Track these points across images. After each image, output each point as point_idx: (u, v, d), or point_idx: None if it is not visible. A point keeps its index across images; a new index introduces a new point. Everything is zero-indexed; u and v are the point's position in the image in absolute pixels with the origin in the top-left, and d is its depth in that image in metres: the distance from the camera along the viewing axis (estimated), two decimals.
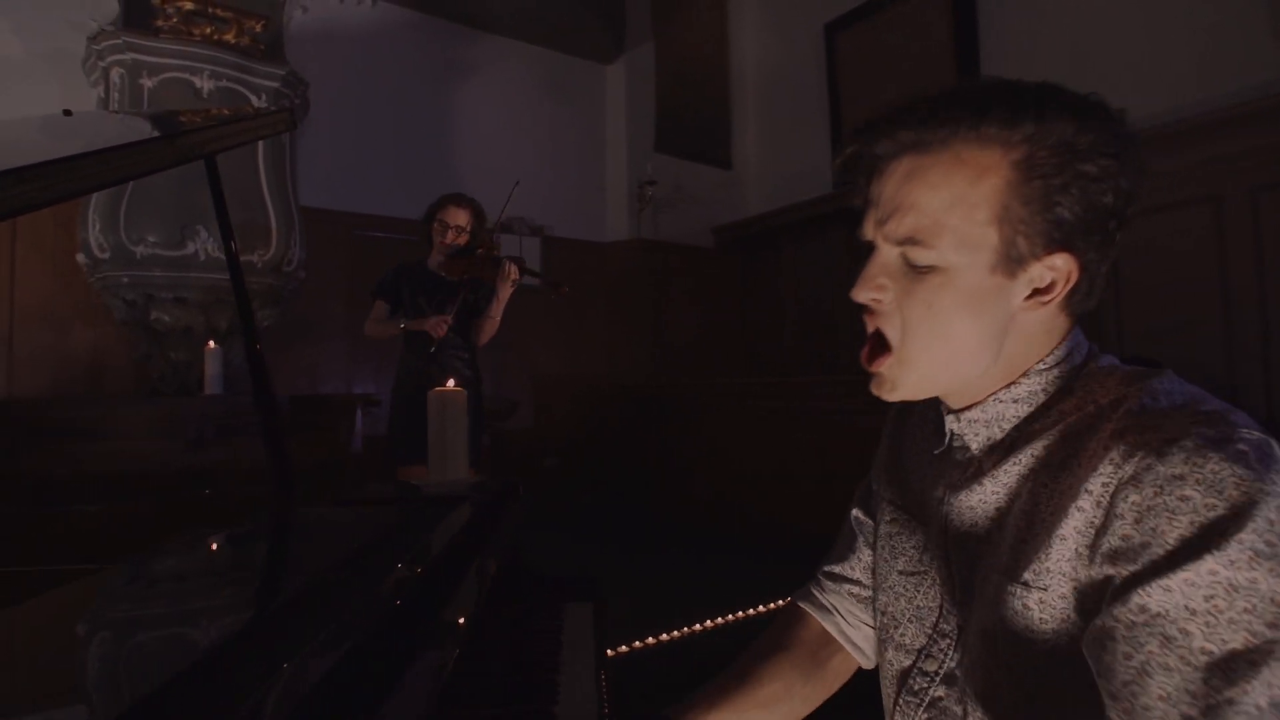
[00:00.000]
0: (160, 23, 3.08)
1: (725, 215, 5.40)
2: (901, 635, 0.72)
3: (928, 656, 0.70)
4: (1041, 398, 0.63)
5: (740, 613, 2.51)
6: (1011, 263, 0.59)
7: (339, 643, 0.47)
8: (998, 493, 0.63)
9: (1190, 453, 0.51)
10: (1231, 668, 0.46)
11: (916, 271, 0.61)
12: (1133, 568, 0.51)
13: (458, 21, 4.61)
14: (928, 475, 0.72)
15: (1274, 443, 0.52)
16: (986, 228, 0.58)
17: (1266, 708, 0.45)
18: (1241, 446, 0.50)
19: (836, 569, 0.86)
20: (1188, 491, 0.50)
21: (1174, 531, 0.50)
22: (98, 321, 3.47)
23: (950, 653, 0.68)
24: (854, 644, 0.84)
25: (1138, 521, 0.52)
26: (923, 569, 0.72)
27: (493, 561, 0.83)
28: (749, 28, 5.67)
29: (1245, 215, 3.24)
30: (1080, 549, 0.55)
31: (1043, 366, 0.63)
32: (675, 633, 2.15)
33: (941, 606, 0.69)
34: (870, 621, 0.82)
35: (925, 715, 0.68)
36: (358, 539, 0.82)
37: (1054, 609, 0.57)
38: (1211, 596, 0.47)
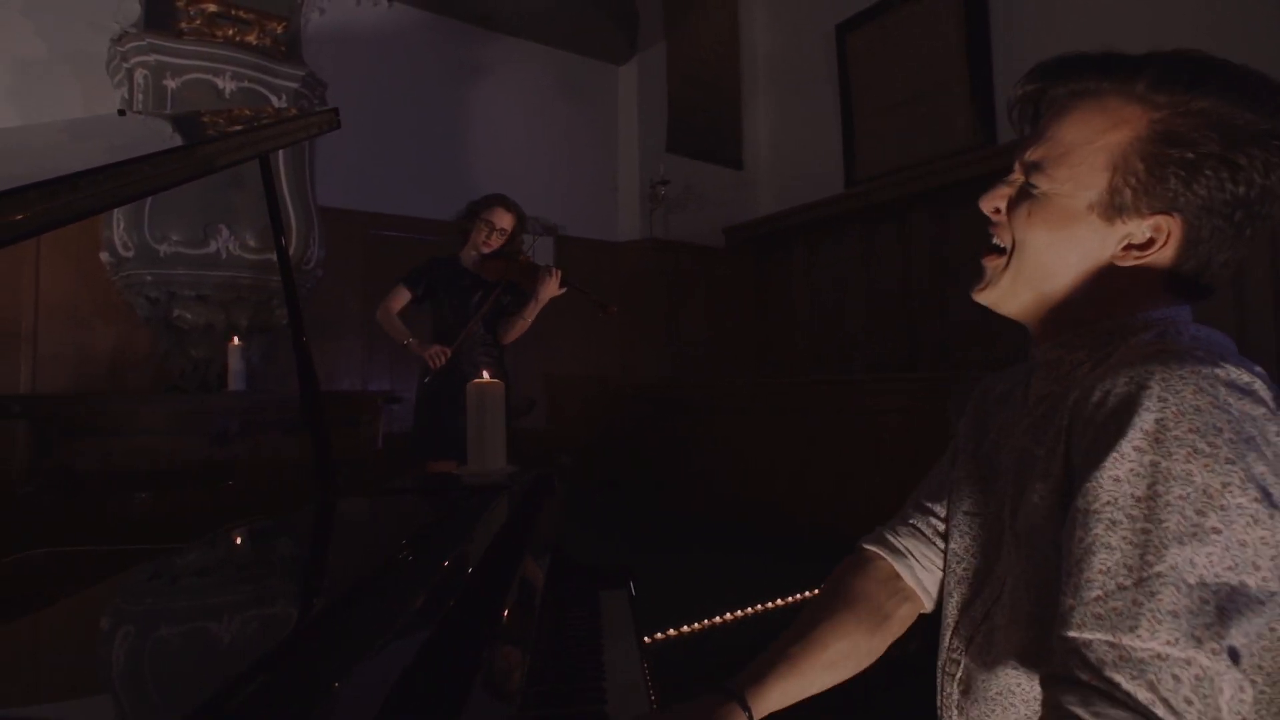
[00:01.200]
0: (183, 24, 3.12)
1: (737, 215, 5.42)
2: (964, 569, 0.77)
3: (985, 585, 0.74)
4: (1097, 347, 0.67)
5: (754, 608, 2.53)
6: (1112, 209, 0.64)
7: (407, 640, 0.48)
8: (1040, 416, 0.69)
9: (1163, 363, 0.55)
10: (1163, 546, 0.51)
11: (1028, 192, 0.67)
12: (1092, 459, 0.56)
13: (472, 23, 4.64)
14: (1006, 425, 0.77)
15: (1259, 383, 0.55)
16: (1100, 172, 0.63)
17: (1195, 583, 0.50)
18: (1218, 371, 0.54)
19: (925, 502, 0.89)
20: (1148, 389, 0.54)
21: (1126, 425, 0.54)
22: (119, 319, 3.51)
23: (999, 585, 0.71)
24: (924, 588, 0.86)
25: (1103, 414, 0.57)
26: (986, 509, 0.76)
27: (546, 548, 0.85)
28: (760, 29, 5.69)
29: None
30: (1068, 445, 0.61)
31: (1109, 321, 0.67)
32: (698, 625, 2.17)
33: (1001, 537, 0.73)
34: (939, 563, 0.85)
35: (980, 634, 0.72)
36: (408, 528, 0.84)
37: (1056, 497, 0.62)
38: (1153, 484, 0.52)
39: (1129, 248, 0.64)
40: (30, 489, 2.12)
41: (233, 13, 3.11)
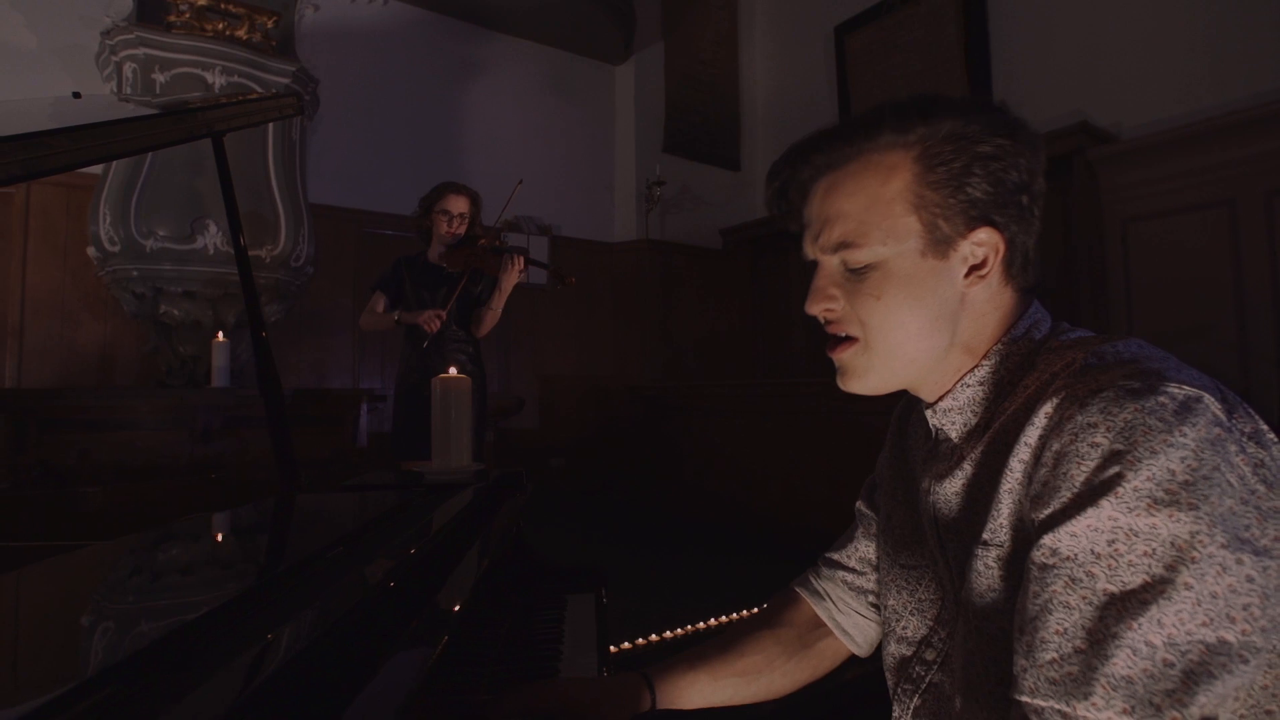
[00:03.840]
0: (173, 18, 3.10)
1: (733, 217, 5.39)
2: (904, 628, 0.73)
3: (927, 646, 0.71)
4: (1001, 378, 0.65)
5: (746, 611, 2.49)
6: (940, 244, 0.64)
7: (322, 620, 0.46)
8: (973, 473, 0.65)
9: (1108, 402, 0.53)
10: (1125, 606, 0.48)
11: (858, 275, 0.66)
12: (1047, 511, 0.53)
13: (469, 20, 4.62)
14: (920, 471, 0.74)
15: (1207, 398, 0.52)
16: (906, 218, 0.63)
17: (1161, 645, 0.46)
18: (1162, 399, 0.51)
19: (835, 556, 0.88)
20: (1098, 439, 0.52)
21: (1080, 476, 0.52)
22: (107, 314, 3.49)
23: (948, 637, 0.68)
24: (843, 630, 0.85)
25: (1054, 466, 0.54)
26: (922, 563, 0.73)
27: (491, 545, 0.81)
28: (759, 30, 5.67)
29: (1259, 218, 3.21)
30: (1020, 499, 0.58)
31: (1000, 346, 0.66)
32: (679, 630, 2.13)
33: (941, 598, 0.70)
34: (861, 610, 0.85)
35: (919, 700, 0.69)
36: (355, 521, 0.81)
37: (1008, 563, 0.59)
38: (1113, 541, 0.49)
39: (971, 273, 0.64)
40: (4, 485, 2.08)
41: (222, 6, 3.08)
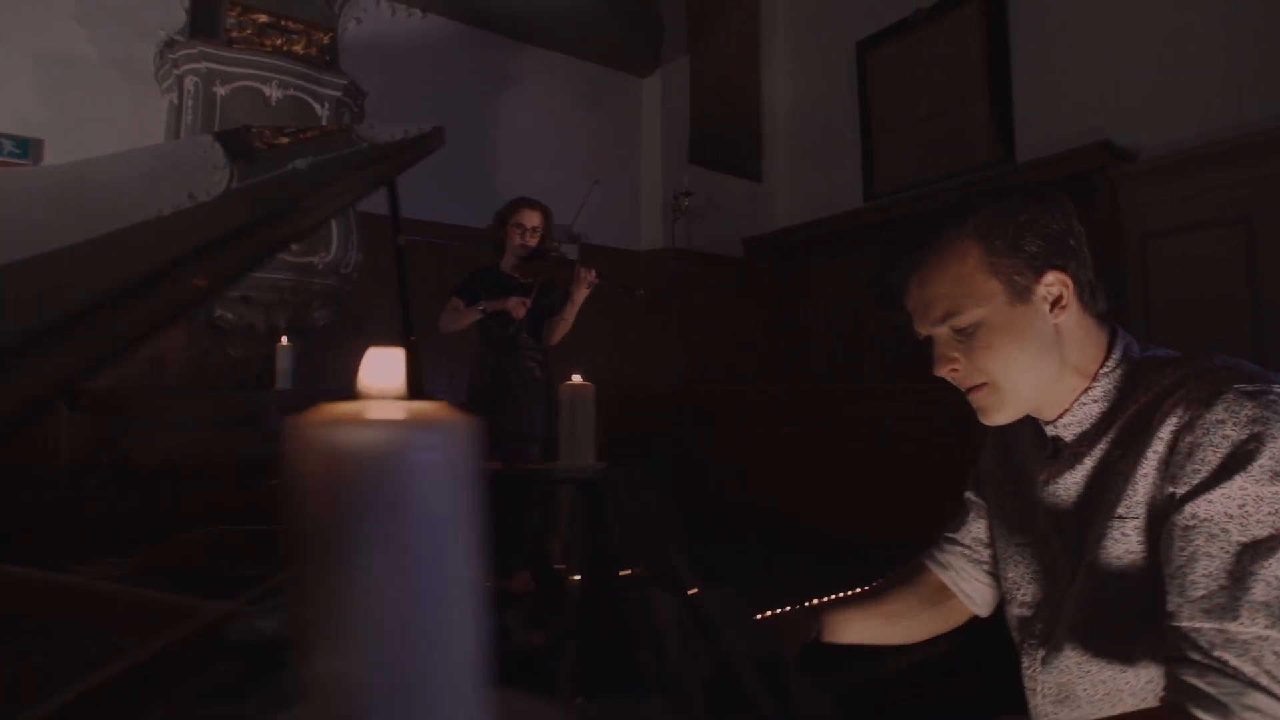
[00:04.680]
0: (234, 33, 3.21)
1: (755, 227, 5.50)
2: (1023, 595, 0.91)
3: (1044, 607, 0.87)
4: (1115, 394, 0.82)
5: (773, 612, 2.59)
6: (1021, 293, 0.81)
7: None
8: (1095, 467, 0.82)
9: (1229, 403, 0.70)
10: (1256, 551, 0.64)
11: (966, 334, 0.84)
12: (1187, 487, 0.70)
13: (503, 34, 4.74)
14: (1033, 469, 0.91)
15: None
16: (988, 282, 0.82)
17: None
18: (1271, 397, 0.70)
19: (953, 535, 1.07)
20: (1227, 431, 0.69)
21: (1215, 459, 0.69)
22: None
23: (1063, 599, 0.84)
24: (966, 594, 1.03)
25: (1189, 454, 0.71)
26: (1034, 541, 0.90)
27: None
28: (780, 44, 5.80)
29: (1276, 236, 3.33)
30: (1155, 480, 0.75)
31: (1108, 369, 0.83)
32: None
33: (1054, 568, 0.87)
34: (979, 578, 1.03)
35: (1043, 650, 0.86)
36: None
37: (1141, 531, 0.75)
38: (1243, 505, 0.66)
39: (1054, 307, 0.82)
40: (94, 481, 2.19)
41: (282, 23, 3.20)
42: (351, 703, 0.20)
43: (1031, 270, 0.81)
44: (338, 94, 3.45)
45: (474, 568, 0.22)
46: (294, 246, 3.28)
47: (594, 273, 2.69)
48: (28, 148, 3.38)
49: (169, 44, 3.41)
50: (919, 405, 3.29)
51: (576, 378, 1.23)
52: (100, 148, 3.53)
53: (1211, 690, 0.62)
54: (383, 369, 0.23)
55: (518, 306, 2.64)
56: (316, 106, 3.39)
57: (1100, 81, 3.96)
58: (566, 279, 2.71)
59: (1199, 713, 0.63)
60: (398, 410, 0.21)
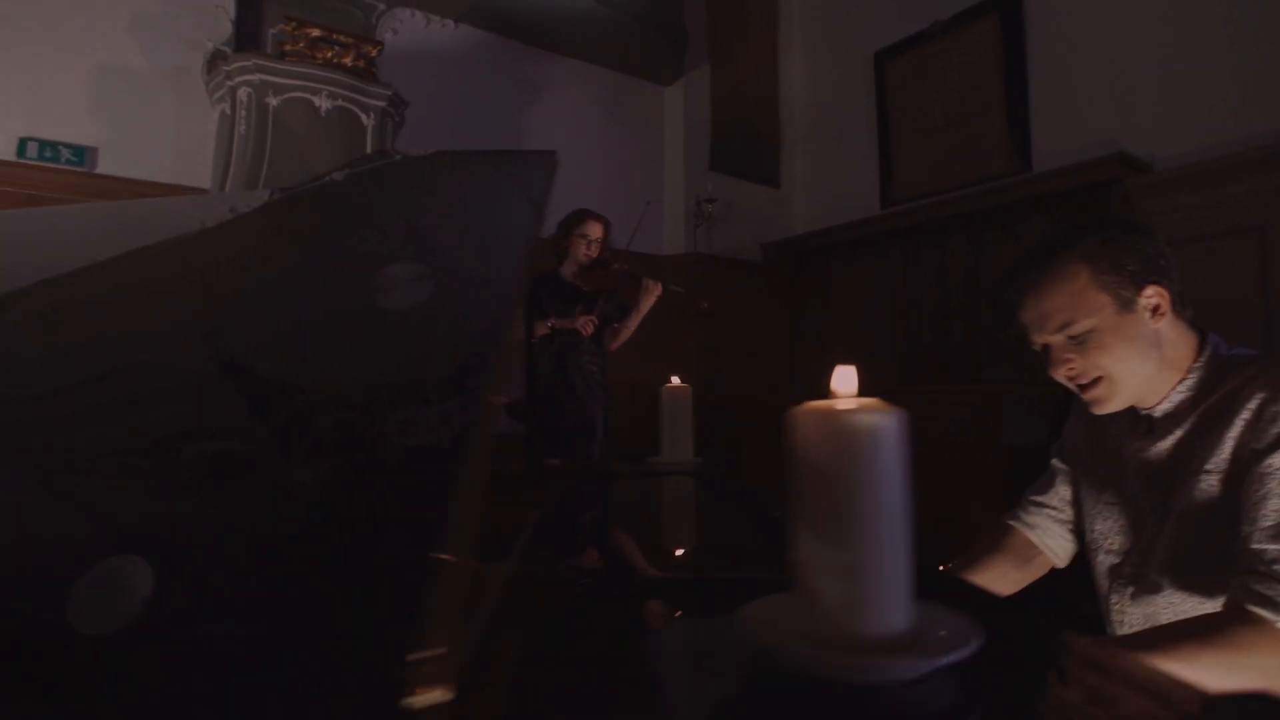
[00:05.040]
0: (288, 46, 3.33)
1: (774, 232, 5.63)
2: (1110, 544, 1.09)
3: (1131, 553, 1.06)
4: (1204, 384, 1.00)
5: None
6: (1126, 304, 0.99)
7: None
8: (1184, 436, 1.00)
9: None
10: None
11: (1080, 341, 1.01)
12: (1266, 443, 0.89)
13: (531, 44, 4.87)
14: (1124, 441, 1.09)
15: None
16: (1098, 296, 0.99)
17: None
18: None
19: (1039, 498, 1.24)
20: None
21: None
22: None
23: (1151, 545, 1.02)
24: (1051, 549, 1.21)
25: (1273, 420, 0.90)
26: (1122, 500, 1.09)
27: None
28: (798, 54, 5.93)
29: None
30: (1240, 440, 0.93)
31: (1199, 364, 1.01)
32: None
33: (1140, 521, 1.05)
34: (1063, 535, 1.20)
35: (1132, 588, 1.04)
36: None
37: (1224, 483, 0.92)
38: None
39: (1154, 314, 1.00)
40: None
41: (334, 36, 3.32)
42: (853, 583, 0.32)
43: (1134, 285, 0.99)
44: (383, 104, 3.57)
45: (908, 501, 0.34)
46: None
47: (660, 286, 2.83)
48: (84, 155, 3.50)
49: (223, 56, 3.54)
50: (956, 407, 3.40)
51: (675, 380, 1.35)
52: (151, 155, 3.65)
53: (1269, 592, 0.79)
54: (845, 379, 0.35)
55: (586, 325, 2.77)
56: (362, 116, 3.51)
57: (1115, 94, 4.09)
58: (632, 291, 2.85)
59: (1257, 609, 0.79)
60: (863, 403, 0.33)
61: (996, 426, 2.93)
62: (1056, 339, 1.02)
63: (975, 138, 4.66)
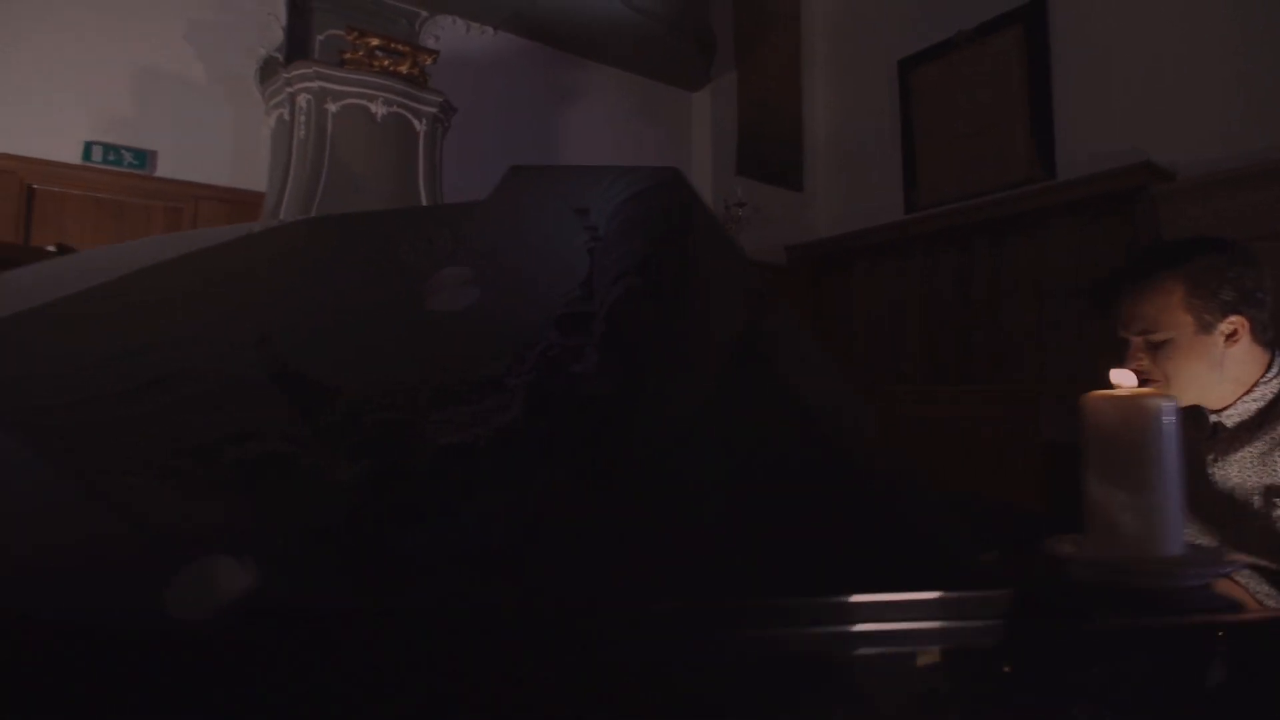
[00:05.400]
0: (347, 55, 3.45)
1: (797, 235, 5.76)
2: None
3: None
4: (1272, 397, 1.11)
5: None
6: (1206, 327, 1.11)
7: None
8: (1256, 449, 1.10)
9: None
10: None
11: (1155, 347, 1.14)
12: None
13: (566, 50, 4.99)
14: (1194, 447, 1.18)
15: None
16: (1183, 315, 1.11)
17: None
18: None
19: None
20: None
21: None
22: None
23: (1239, 543, 1.09)
24: None
25: None
26: (1200, 501, 1.16)
27: None
28: (821, 61, 6.05)
29: None
30: None
31: (1266, 380, 1.12)
32: None
33: (1221, 520, 1.12)
34: None
35: None
36: None
37: None
38: None
39: (1229, 339, 1.11)
40: None
41: (392, 45, 3.44)
42: (1149, 519, 0.44)
43: (1220, 312, 1.12)
44: (434, 110, 3.69)
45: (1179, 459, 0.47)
46: None
47: None
48: (145, 159, 3.61)
49: (276, 63, 3.66)
50: (990, 406, 3.53)
51: None
52: (208, 159, 3.77)
53: None
54: (1124, 376, 0.48)
55: None
56: (415, 122, 3.63)
57: (1139, 102, 4.22)
58: None
59: None
60: (1143, 391, 0.46)
61: (1034, 423, 3.05)
62: (1136, 339, 1.16)
63: (1000, 145, 4.78)
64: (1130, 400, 0.47)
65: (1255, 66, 3.82)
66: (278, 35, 3.97)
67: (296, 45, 4.02)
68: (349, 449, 0.70)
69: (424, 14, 4.44)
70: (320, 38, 4.12)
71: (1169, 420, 0.48)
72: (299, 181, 3.38)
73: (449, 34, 4.57)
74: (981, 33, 4.88)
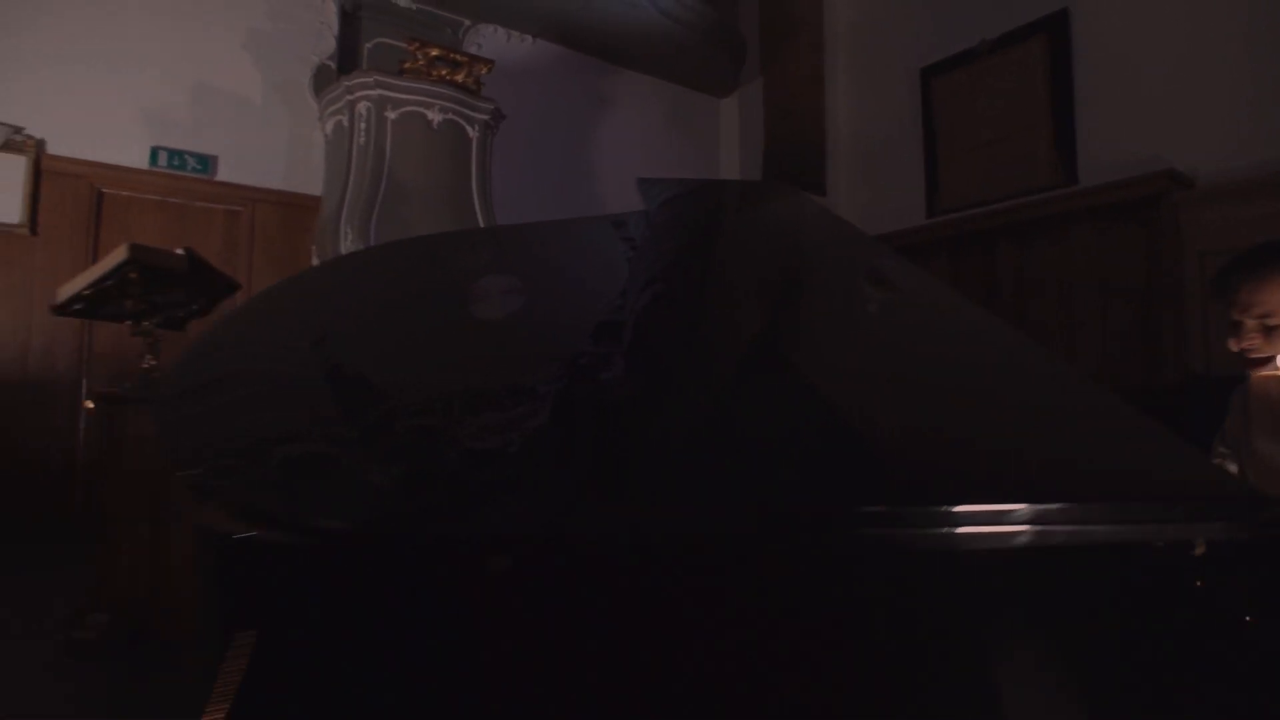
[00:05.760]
0: (409, 65, 3.58)
1: None
2: None
3: None
4: None
5: None
6: None
7: None
8: None
9: None
10: None
11: (1268, 329, 1.29)
12: None
13: (601, 58, 5.12)
14: None
15: None
16: None
17: None
18: None
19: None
20: None
21: None
22: None
23: None
24: None
25: None
26: None
27: None
28: (843, 69, 6.19)
29: None
30: None
31: None
32: None
33: None
34: None
35: None
36: None
37: None
38: None
39: None
40: None
41: (451, 56, 3.57)
42: None
43: None
44: (486, 118, 3.82)
45: None
46: None
47: None
48: (207, 164, 3.73)
49: (329, 70, 3.78)
50: None
51: None
52: (264, 164, 3.88)
53: None
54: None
55: None
56: (469, 129, 3.76)
57: (1159, 111, 4.37)
58: None
59: None
60: None
61: None
62: (1252, 322, 1.30)
63: (1021, 152, 4.93)
64: None
65: (1274, 78, 3.98)
66: (330, 44, 4.10)
67: (346, 53, 4.15)
68: (384, 452, 0.81)
69: (467, 23, 4.57)
70: (369, 45, 4.25)
71: None
72: (359, 186, 3.51)
73: (490, 42, 4.69)
74: (1004, 42, 5.03)
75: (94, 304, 1.89)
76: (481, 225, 3.77)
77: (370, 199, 3.49)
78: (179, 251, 1.93)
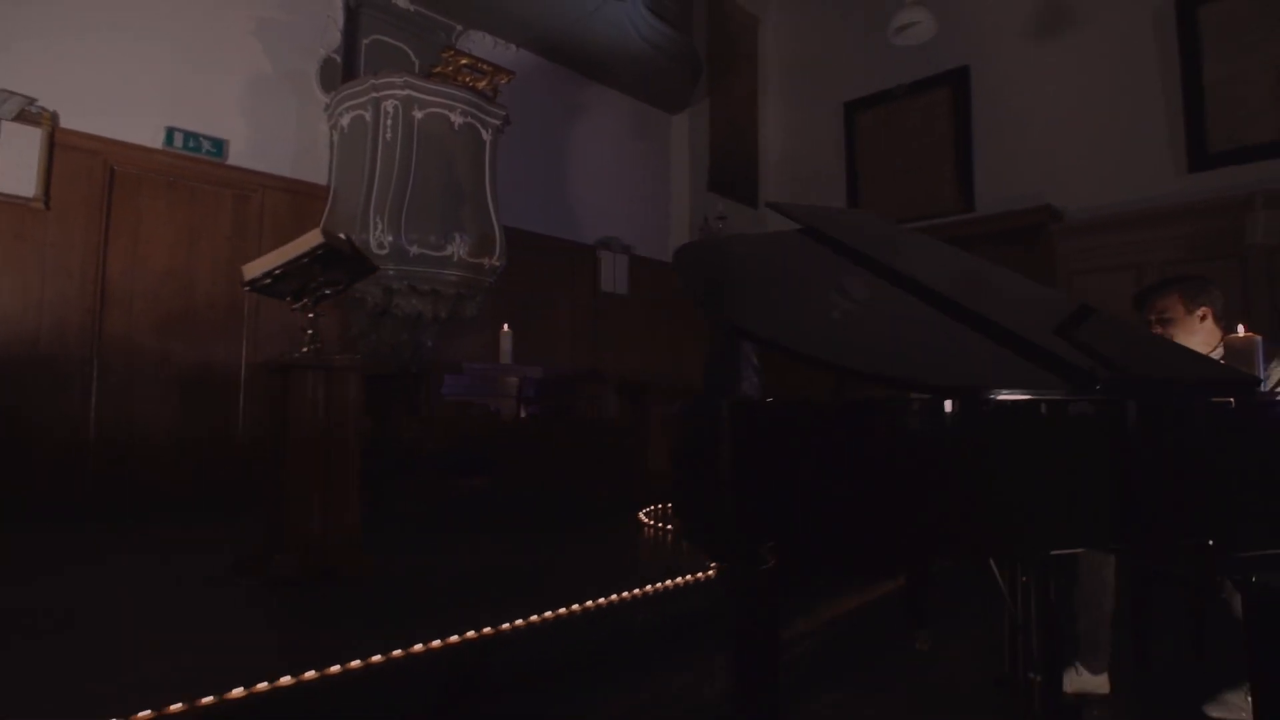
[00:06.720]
0: (439, 69, 3.82)
1: None
2: None
3: None
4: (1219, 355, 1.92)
5: None
6: (1189, 311, 2.02)
7: None
8: None
9: None
10: None
11: (1165, 322, 2.04)
12: None
13: (574, 69, 5.50)
14: None
15: None
16: (1177, 305, 2.04)
17: None
18: None
19: None
20: None
21: None
22: None
23: None
24: None
25: None
26: None
27: None
28: (773, 97, 6.94)
29: (1153, 279, 4.86)
30: None
31: (1216, 348, 1.94)
32: None
33: None
34: None
35: None
36: None
37: None
38: None
39: (1202, 320, 2.00)
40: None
41: (479, 65, 3.85)
42: None
43: (1195, 304, 1.98)
44: (499, 123, 4.12)
45: None
46: (471, 249, 3.92)
47: None
48: (221, 147, 3.77)
49: (342, 64, 3.95)
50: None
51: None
52: (273, 150, 3.98)
53: None
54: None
55: None
56: (483, 132, 4.05)
57: (1040, 156, 5.41)
58: None
59: None
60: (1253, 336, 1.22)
61: None
62: (1154, 319, 2.02)
63: (930, 182, 5.86)
64: (1251, 339, 1.23)
65: (1129, 135, 5.09)
66: (336, 37, 4.23)
67: (348, 49, 4.29)
68: None
69: (459, 28, 4.81)
70: (366, 41, 4.40)
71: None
72: (386, 179, 3.71)
73: (475, 47, 4.95)
74: (916, 89, 5.94)
75: (279, 281, 2.09)
76: (495, 223, 4.07)
77: (400, 192, 3.71)
78: (341, 235, 2.17)
